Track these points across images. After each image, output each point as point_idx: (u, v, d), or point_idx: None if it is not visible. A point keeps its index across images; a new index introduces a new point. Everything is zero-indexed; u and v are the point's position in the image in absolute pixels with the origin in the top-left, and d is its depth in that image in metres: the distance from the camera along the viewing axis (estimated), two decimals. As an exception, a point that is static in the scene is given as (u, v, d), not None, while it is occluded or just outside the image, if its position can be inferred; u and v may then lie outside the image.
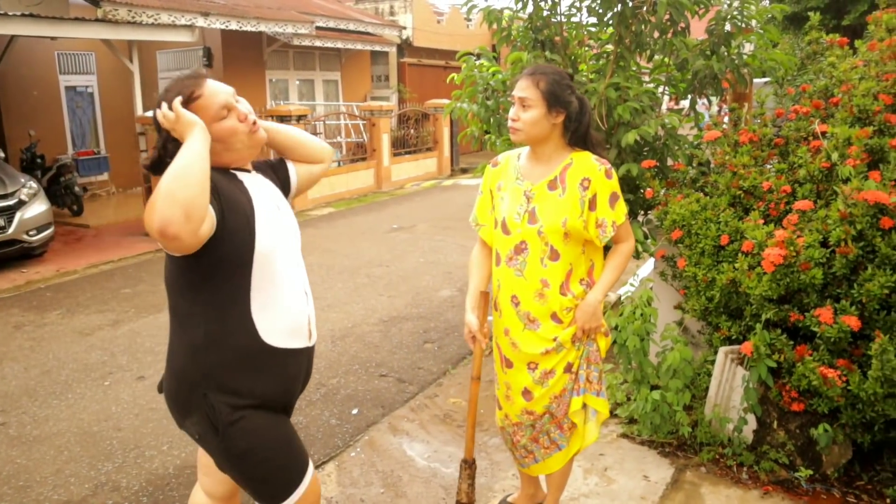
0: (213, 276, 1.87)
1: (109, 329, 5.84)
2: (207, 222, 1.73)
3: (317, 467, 3.62)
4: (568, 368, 2.54)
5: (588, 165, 2.44)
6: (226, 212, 1.83)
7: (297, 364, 2.05)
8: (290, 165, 2.29)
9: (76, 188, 10.57)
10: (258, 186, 2.03)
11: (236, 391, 1.92)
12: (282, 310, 1.98)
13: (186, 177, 1.67)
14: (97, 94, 13.03)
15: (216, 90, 1.94)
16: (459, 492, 2.64)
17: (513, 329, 2.53)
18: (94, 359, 5.18)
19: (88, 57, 12.79)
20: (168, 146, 1.88)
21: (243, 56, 13.21)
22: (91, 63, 12.89)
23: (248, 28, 11.54)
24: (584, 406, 2.62)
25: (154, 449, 3.84)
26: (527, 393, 2.58)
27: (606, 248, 2.61)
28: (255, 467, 1.97)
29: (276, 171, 2.25)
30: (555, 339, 2.49)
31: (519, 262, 2.47)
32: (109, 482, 3.53)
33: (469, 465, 2.64)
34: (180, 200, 1.63)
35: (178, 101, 1.86)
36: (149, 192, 9.53)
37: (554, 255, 2.44)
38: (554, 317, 2.48)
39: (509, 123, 2.46)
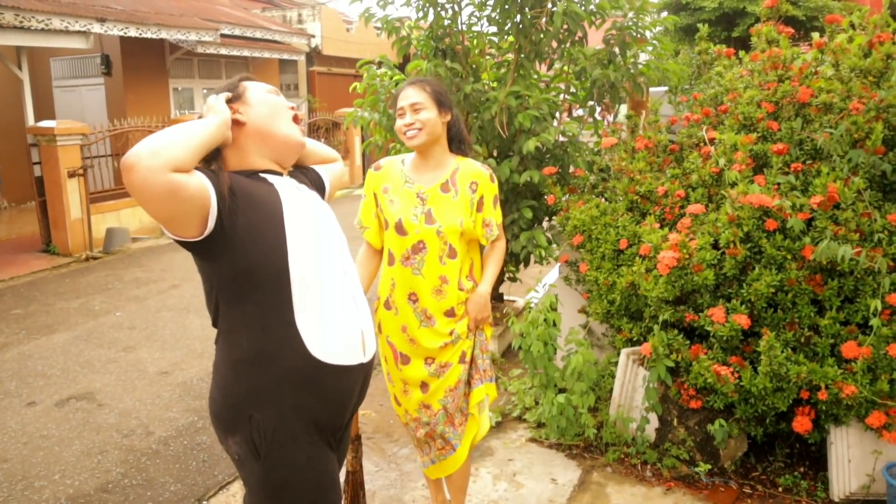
0: (250, 285, 1.72)
1: (-3, 353, 5.49)
2: (193, 185, 1.59)
3: (222, 487, 3.50)
4: (462, 358, 2.66)
5: (475, 170, 2.63)
6: (244, 208, 1.70)
7: (350, 382, 1.87)
8: (317, 168, 2.17)
9: (-38, 203, 9.95)
10: (290, 187, 1.87)
11: (284, 412, 1.75)
12: (330, 322, 1.80)
13: (175, 131, 1.60)
14: (-16, 103, 12.30)
15: (257, 84, 1.90)
16: (347, 462, 2.69)
17: (410, 326, 2.61)
18: (-21, 385, 4.85)
19: (-27, 64, 12.06)
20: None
21: (145, 64, 12.72)
22: (-24, 70, 12.16)
23: (149, 35, 11.12)
24: (486, 397, 2.75)
25: (44, 479, 3.61)
26: (424, 386, 2.66)
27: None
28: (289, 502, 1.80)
29: (307, 175, 2.10)
30: (451, 333, 2.61)
31: (416, 261, 2.56)
32: (-6, 517, 3.31)
33: (353, 440, 2.68)
34: (155, 144, 1.54)
35: (223, 95, 1.81)
36: (43, 206, 9.03)
37: (452, 253, 2.58)
38: (449, 312, 2.60)
39: (404, 129, 2.53)
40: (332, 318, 1.81)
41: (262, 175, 1.85)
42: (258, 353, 1.73)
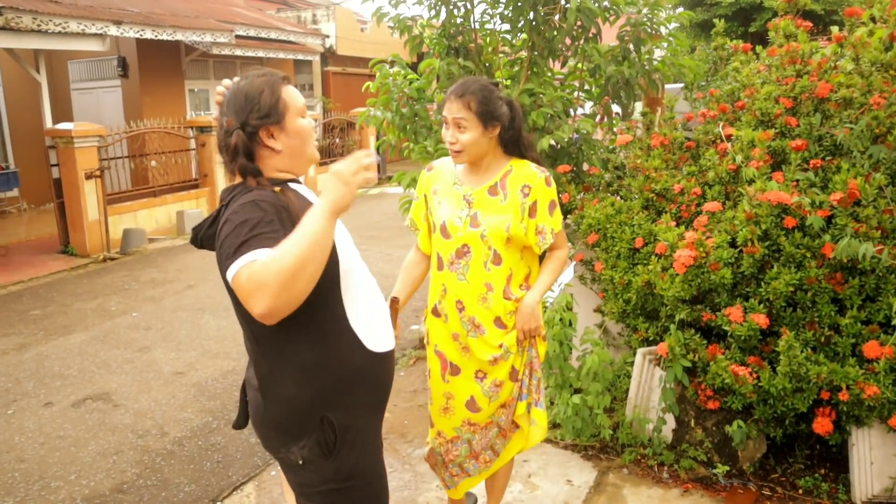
0: (308, 300, 1.64)
1: (15, 353, 5.53)
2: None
3: (236, 488, 3.50)
4: (513, 376, 2.54)
5: (528, 173, 2.46)
6: None
7: (392, 364, 1.96)
8: None
9: (-18, 205, 10.06)
10: (310, 194, 1.91)
11: (353, 409, 1.83)
12: (373, 313, 1.88)
13: (314, 262, 1.49)
14: (3, 105, 12.41)
15: (295, 102, 1.81)
16: None
17: (461, 334, 2.51)
18: (-3, 386, 4.89)
19: (-8, 67, 12.20)
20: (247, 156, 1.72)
21: (161, 66, 12.81)
22: (-5, 73, 12.30)
23: (165, 37, 11.19)
24: (528, 409, 2.63)
25: (60, 479, 3.63)
26: (472, 403, 2.54)
27: (540, 258, 2.63)
28: (356, 491, 1.87)
29: None
30: (501, 346, 2.48)
31: (461, 266, 2.46)
32: (10, 518, 3.33)
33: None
34: (297, 292, 1.48)
35: (370, 152, 1.67)
36: (61, 207, 9.11)
37: (497, 260, 2.44)
38: (497, 321, 2.48)
39: (449, 146, 2.41)
40: (373, 309, 1.88)
41: (291, 185, 1.84)
42: (321, 357, 1.76)
